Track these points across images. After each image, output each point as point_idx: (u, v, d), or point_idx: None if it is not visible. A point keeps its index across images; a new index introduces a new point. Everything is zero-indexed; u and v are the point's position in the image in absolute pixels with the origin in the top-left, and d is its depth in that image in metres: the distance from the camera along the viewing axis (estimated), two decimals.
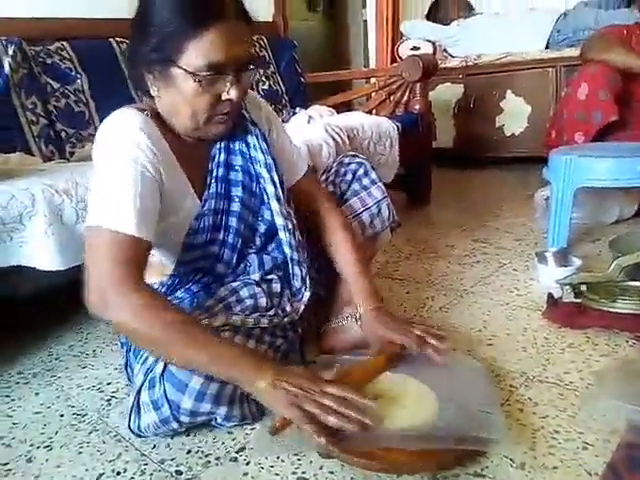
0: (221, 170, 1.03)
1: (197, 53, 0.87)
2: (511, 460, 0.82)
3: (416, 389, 0.93)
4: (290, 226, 1.06)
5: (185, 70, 0.88)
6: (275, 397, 0.80)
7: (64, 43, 1.90)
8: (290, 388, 0.80)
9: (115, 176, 0.88)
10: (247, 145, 1.05)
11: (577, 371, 1.05)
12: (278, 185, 1.05)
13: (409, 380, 0.95)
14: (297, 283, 1.08)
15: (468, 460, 0.82)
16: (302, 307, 1.08)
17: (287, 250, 1.06)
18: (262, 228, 1.09)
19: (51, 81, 1.81)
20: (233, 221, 1.04)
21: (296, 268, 1.07)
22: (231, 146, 1.05)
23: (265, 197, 1.06)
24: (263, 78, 2.48)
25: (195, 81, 0.88)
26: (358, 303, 1.10)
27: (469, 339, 1.21)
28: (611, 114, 2.00)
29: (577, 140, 2.06)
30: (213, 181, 1.03)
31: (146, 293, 0.85)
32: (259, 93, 2.43)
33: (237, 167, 1.05)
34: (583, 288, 1.27)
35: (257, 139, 1.05)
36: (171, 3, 0.87)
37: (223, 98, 0.92)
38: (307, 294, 1.08)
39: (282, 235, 1.06)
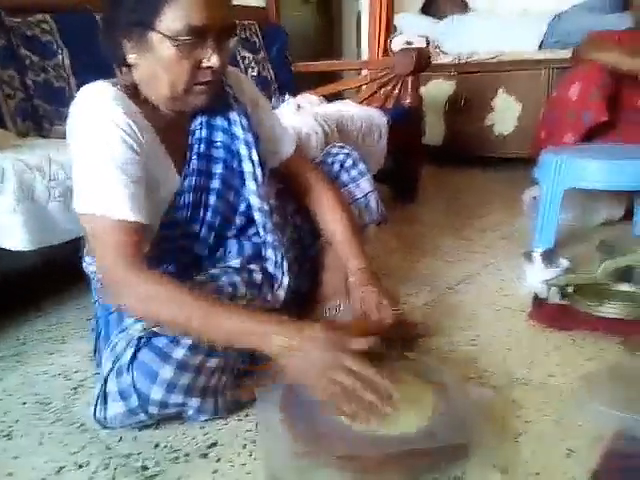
0: (202, 146, 0.99)
1: (176, 15, 0.82)
2: (493, 465, 0.79)
3: (413, 392, 0.88)
4: (266, 207, 1.02)
5: (163, 34, 0.83)
6: (300, 364, 0.79)
7: (46, 16, 1.82)
8: (317, 355, 0.78)
9: (99, 158, 0.84)
10: (229, 121, 1.01)
11: (562, 374, 1.02)
12: (256, 164, 1.01)
13: (408, 380, 0.91)
14: (271, 267, 1.03)
15: (447, 464, 0.78)
16: (282, 294, 1.03)
17: (261, 232, 1.03)
18: (243, 207, 1.05)
19: (30, 54, 1.73)
20: (212, 199, 1.00)
21: (270, 251, 1.03)
22: (212, 122, 1.00)
23: (244, 175, 1.02)
24: (253, 64, 2.43)
25: (174, 46, 0.84)
26: (349, 271, 1.09)
27: (452, 338, 1.18)
28: (601, 115, 1.98)
29: (567, 141, 2.04)
30: (194, 157, 0.98)
31: (150, 279, 0.83)
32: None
33: (218, 143, 1.01)
34: (570, 290, 1.25)
35: (238, 115, 1.01)
36: None
37: (203, 65, 0.87)
38: (285, 279, 1.04)
39: (257, 216, 1.02)
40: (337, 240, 1.11)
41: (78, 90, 1.80)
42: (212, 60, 0.86)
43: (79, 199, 0.86)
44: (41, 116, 1.72)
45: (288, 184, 1.15)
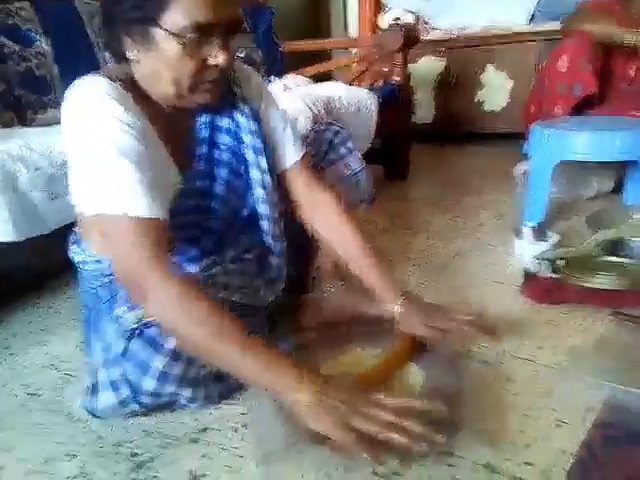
0: (204, 147, 0.95)
1: (182, 11, 0.78)
2: (482, 438, 0.79)
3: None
4: (275, 215, 0.99)
5: (168, 31, 0.79)
6: (319, 415, 0.72)
7: (25, 3, 1.78)
8: (337, 404, 0.72)
9: (107, 155, 0.79)
10: (236, 124, 0.96)
11: (552, 347, 1.02)
12: (265, 171, 0.97)
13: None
14: (273, 274, 1.02)
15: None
16: (272, 297, 1.03)
17: (268, 240, 1.00)
18: (245, 213, 1.02)
19: (10, 43, 1.70)
20: (215, 204, 0.97)
21: (274, 259, 1.02)
22: (217, 122, 0.96)
23: (250, 182, 0.98)
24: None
25: (179, 43, 0.79)
26: (386, 299, 1.01)
27: None
28: (591, 87, 1.96)
29: (556, 113, 2.02)
30: (196, 159, 0.94)
31: (179, 281, 0.78)
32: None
33: (222, 146, 0.96)
34: (560, 263, 1.24)
35: (246, 118, 0.96)
36: None
37: (209, 63, 0.83)
38: (280, 286, 1.03)
39: (264, 224, 0.99)
40: (365, 272, 1.02)
41: (61, 78, 1.81)
42: (219, 58, 0.82)
43: (88, 200, 0.80)
44: (23, 105, 1.69)
45: (288, 191, 1.06)
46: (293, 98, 1.84)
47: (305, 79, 2.27)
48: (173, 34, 0.79)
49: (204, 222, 0.97)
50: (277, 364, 0.76)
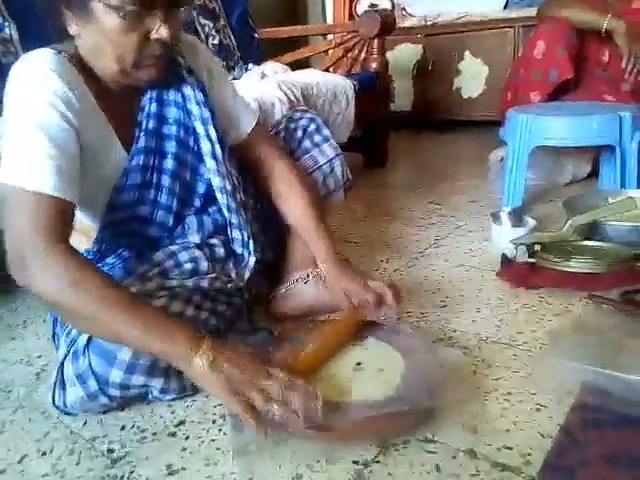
0: (152, 123, 0.93)
1: None
2: (462, 424, 0.79)
3: (382, 357, 0.89)
4: (229, 187, 0.98)
5: (106, 3, 0.77)
6: (212, 379, 0.73)
7: None
8: (230, 370, 0.73)
9: (27, 126, 0.77)
10: (182, 96, 0.95)
11: (530, 331, 1.03)
12: (215, 141, 0.96)
13: (377, 346, 0.92)
14: (238, 248, 1.01)
15: (418, 425, 0.78)
16: (247, 274, 1.01)
17: (226, 213, 0.98)
18: (202, 188, 1.00)
19: None
20: (166, 180, 0.95)
21: (235, 232, 1.00)
22: (164, 96, 0.94)
23: (201, 154, 0.97)
24: (213, 32, 2.34)
25: (118, 16, 0.77)
26: (318, 259, 1.05)
27: (423, 302, 1.18)
28: (567, 72, 1.97)
29: (533, 100, 2.03)
30: (142, 134, 0.92)
31: (70, 260, 0.75)
32: (209, 48, 2.29)
33: (171, 120, 0.95)
34: (537, 248, 1.25)
35: (193, 89, 0.94)
36: None
37: (152, 37, 0.81)
38: (252, 259, 1.01)
39: (219, 197, 0.97)
40: (303, 228, 1.06)
41: None
42: (161, 32, 0.80)
43: (3, 168, 0.78)
44: None
45: (248, 161, 1.09)
46: (269, 85, 1.81)
47: (283, 66, 2.24)
48: (111, 6, 0.77)
49: (156, 198, 0.95)
50: (172, 331, 0.75)
